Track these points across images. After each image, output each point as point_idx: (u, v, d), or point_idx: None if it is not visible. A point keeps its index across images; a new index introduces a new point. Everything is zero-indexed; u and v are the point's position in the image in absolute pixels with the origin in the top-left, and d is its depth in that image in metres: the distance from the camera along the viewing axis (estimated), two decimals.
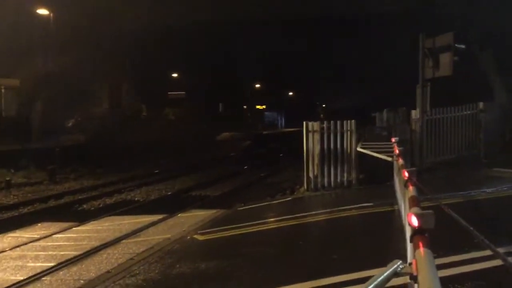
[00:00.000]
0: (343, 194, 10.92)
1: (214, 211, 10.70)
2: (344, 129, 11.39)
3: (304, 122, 11.58)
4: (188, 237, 7.59)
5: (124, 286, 5.31)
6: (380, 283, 1.83)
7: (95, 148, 23.63)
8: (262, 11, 25.95)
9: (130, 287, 5.27)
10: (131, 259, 6.55)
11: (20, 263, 6.92)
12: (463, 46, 11.07)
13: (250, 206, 10.74)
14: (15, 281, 5.97)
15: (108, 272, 6.02)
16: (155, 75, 36.04)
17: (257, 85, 59.85)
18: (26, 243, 8.26)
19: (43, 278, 6.09)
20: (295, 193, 11.96)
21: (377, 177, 10.91)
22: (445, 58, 10.95)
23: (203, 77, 40.37)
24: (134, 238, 8.33)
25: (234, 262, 6.06)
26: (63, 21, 24.88)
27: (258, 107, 65.08)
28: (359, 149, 10.89)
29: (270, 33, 31.76)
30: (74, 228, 9.76)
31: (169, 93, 42.42)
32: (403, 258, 2.76)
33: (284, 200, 11.24)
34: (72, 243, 8.24)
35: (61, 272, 6.32)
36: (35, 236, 8.97)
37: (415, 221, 2.21)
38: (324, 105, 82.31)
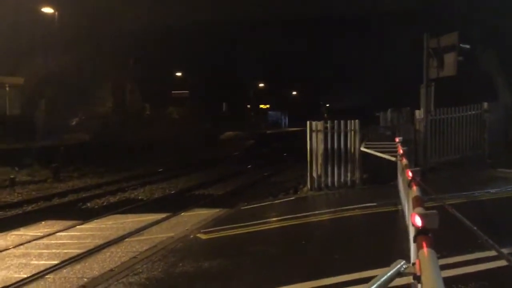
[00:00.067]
0: (346, 194, 10.90)
1: (217, 210, 10.70)
2: (348, 128, 11.37)
3: (308, 122, 11.57)
4: (191, 236, 7.60)
5: (127, 285, 5.32)
6: (383, 283, 1.82)
7: (98, 147, 23.67)
8: (265, 11, 25.96)
9: (133, 285, 5.28)
10: (134, 257, 6.56)
11: (24, 261, 6.94)
12: (467, 46, 11.03)
13: (253, 205, 10.73)
14: (18, 279, 5.98)
15: (111, 270, 6.03)
16: (159, 74, 36.07)
17: (261, 85, 59.85)
18: (29, 241, 8.28)
19: (46, 276, 6.10)
20: (299, 193, 11.95)
21: (380, 177, 10.90)
22: (450, 58, 10.91)
23: (206, 76, 40.39)
24: (137, 236, 8.34)
25: (237, 261, 6.07)
26: (67, 20, 24.93)
27: (261, 106, 65.10)
28: (363, 148, 10.87)
29: (274, 33, 31.72)
30: (77, 226, 9.77)
31: (172, 92, 42.46)
32: (407, 258, 2.75)
33: (288, 199, 11.23)
34: (76, 241, 8.25)
35: (64, 270, 6.33)
36: (39, 234, 8.99)
37: (418, 221, 2.20)
38: (327, 105, 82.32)
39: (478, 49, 18.23)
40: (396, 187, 8.58)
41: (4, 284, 5.80)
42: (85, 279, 5.85)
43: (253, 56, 40.27)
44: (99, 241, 7.90)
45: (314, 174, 11.44)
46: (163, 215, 10.29)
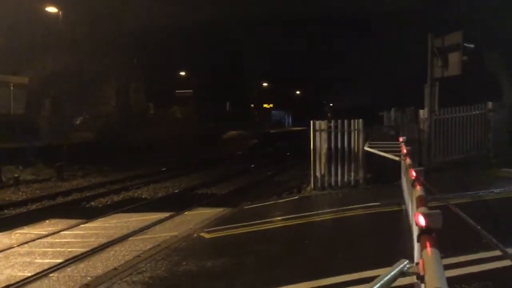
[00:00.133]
0: (350, 193, 10.89)
1: (220, 209, 10.71)
2: (352, 128, 11.35)
3: (312, 121, 11.56)
4: (195, 235, 7.61)
5: (131, 283, 5.33)
6: (387, 282, 1.82)
7: (102, 146, 23.74)
8: (269, 11, 25.94)
9: (137, 284, 5.29)
10: (138, 256, 6.57)
11: (28, 260, 6.96)
12: (472, 46, 10.99)
13: (257, 205, 10.73)
14: (23, 277, 6.00)
15: (115, 269, 6.04)
16: (163, 74, 36.11)
17: (264, 84, 59.81)
18: (34, 240, 8.31)
19: (50, 275, 6.12)
20: (302, 192, 11.95)
21: (384, 176, 10.88)
22: (454, 58, 10.88)
23: (210, 75, 40.40)
24: (141, 235, 8.36)
25: (240, 260, 6.07)
26: (71, 20, 24.99)
27: (265, 106, 65.02)
28: (366, 148, 10.86)
29: (277, 32, 31.69)
30: (81, 225, 9.80)
31: (176, 91, 42.49)
32: (410, 258, 2.75)
33: (291, 199, 11.22)
34: (80, 240, 8.27)
35: (68, 269, 6.35)
36: (43, 232, 9.02)
37: (422, 221, 2.20)
38: (331, 104, 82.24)
39: (483, 48, 18.17)
40: (399, 186, 8.56)
41: (9, 283, 5.83)
42: (89, 278, 5.87)
43: (256, 56, 40.25)
44: (103, 240, 7.92)
45: (318, 174, 11.43)
46: (166, 214, 10.31)
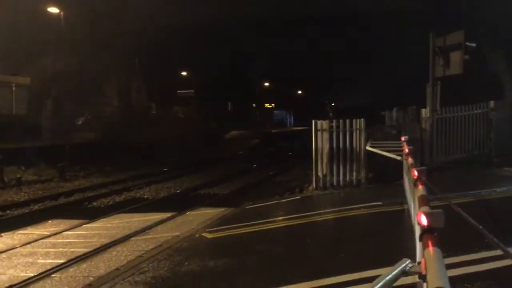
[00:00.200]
0: (352, 193, 10.89)
1: (222, 209, 10.72)
2: (353, 127, 11.35)
3: (313, 121, 11.56)
4: (197, 235, 7.61)
5: (133, 283, 5.34)
6: (389, 282, 1.82)
7: (104, 146, 23.76)
8: (269, 11, 25.95)
9: (139, 284, 5.30)
10: (140, 256, 6.58)
11: (31, 260, 6.97)
12: (474, 45, 10.99)
13: (259, 205, 10.74)
14: (25, 278, 6.02)
15: (117, 269, 6.05)
16: (164, 74, 36.14)
17: (266, 84, 59.82)
18: (36, 240, 8.32)
19: (53, 275, 6.13)
20: (304, 192, 11.95)
21: (386, 176, 10.87)
22: (456, 57, 10.89)
23: (211, 75, 40.42)
24: (143, 235, 8.37)
25: (242, 260, 6.07)
26: (73, 20, 25.02)
27: (267, 105, 65.04)
28: (368, 148, 10.85)
29: (279, 32, 31.71)
30: (84, 225, 9.82)
31: (178, 91, 42.52)
32: (412, 257, 2.75)
33: (293, 198, 11.22)
34: (82, 240, 8.29)
35: (71, 269, 6.37)
36: (46, 233, 9.04)
37: (424, 220, 2.20)
38: (333, 104, 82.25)
39: (485, 48, 18.15)
40: (401, 186, 8.55)
41: (11, 283, 5.84)
42: (91, 278, 5.87)
43: (257, 56, 40.27)
44: (105, 240, 7.93)
45: (320, 173, 11.43)
46: (168, 214, 10.33)
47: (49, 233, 9.00)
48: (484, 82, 18.55)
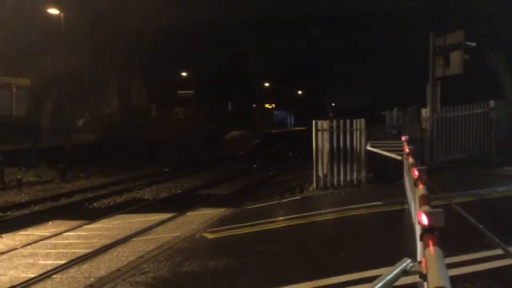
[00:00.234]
0: (352, 193, 10.89)
1: (223, 209, 10.72)
2: (354, 127, 11.35)
3: (314, 121, 11.56)
4: (198, 235, 7.62)
5: (134, 284, 5.34)
6: (389, 281, 1.82)
7: (105, 147, 23.78)
8: (271, 10, 25.94)
9: (140, 285, 5.30)
10: (141, 257, 6.58)
11: (31, 261, 6.98)
12: (473, 44, 11.00)
13: (259, 205, 10.74)
14: (26, 279, 6.02)
15: (118, 270, 6.05)
16: (164, 74, 36.14)
17: (266, 84, 59.80)
18: (37, 241, 8.33)
19: (53, 276, 6.13)
20: (304, 192, 11.95)
21: (386, 176, 10.87)
22: (456, 56, 10.89)
23: (211, 76, 40.42)
24: (144, 236, 8.37)
25: (243, 260, 6.08)
26: (73, 21, 25.02)
27: (267, 106, 65.01)
28: (368, 147, 10.86)
29: (279, 32, 31.69)
30: (84, 226, 9.82)
31: (178, 92, 42.52)
32: (413, 257, 2.75)
33: (293, 198, 11.23)
34: (83, 241, 8.29)
35: (71, 270, 6.37)
36: (46, 234, 9.04)
37: (425, 220, 2.20)
38: (333, 104, 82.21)
39: (485, 48, 18.16)
40: (402, 186, 8.55)
41: (12, 284, 5.84)
42: (92, 279, 5.88)
43: (257, 56, 40.22)
44: (106, 241, 7.94)
45: (320, 173, 11.44)
46: (169, 215, 10.33)
47: (49, 234, 9.01)
48: (484, 82, 18.56)
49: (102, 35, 26.12)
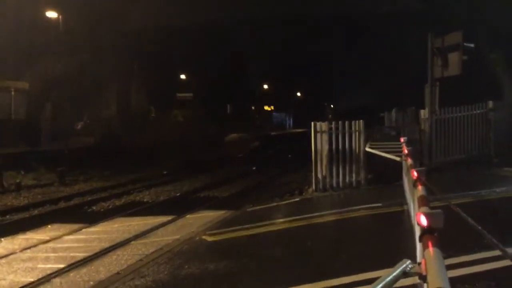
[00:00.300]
0: (351, 195, 10.88)
1: (222, 212, 10.71)
2: (353, 129, 11.36)
3: (312, 123, 11.56)
4: (197, 238, 7.60)
5: (133, 287, 5.33)
6: (389, 283, 1.82)
7: (104, 150, 23.76)
8: (271, 10, 25.98)
9: None
10: (141, 260, 6.58)
11: (31, 265, 6.96)
12: (472, 45, 11.02)
13: (259, 207, 10.73)
14: (25, 283, 6.01)
15: (117, 273, 6.04)
16: (164, 77, 36.15)
17: (265, 86, 59.84)
18: (36, 245, 8.31)
19: (53, 280, 6.12)
20: (304, 194, 11.93)
21: (385, 177, 10.86)
22: (454, 57, 10.90)
23: (210, 78, 40.44)
24: (143, 239, 8.37)
25: (243, 262, 6.07)
26: (71, 24, 25.05)
27: (266, 108, 65.03)
28: (367, 149, 10.85)
29: (278, 34, 31.77)
30: (84, 230, 9.81)
31: (177, 94, 42.52)
32: (412, 258, 2.74)
33: (293, 200, 11.21)
34: (82, 244, 8.28)
35: (71, 274, 6.36)
36: (45, 237, 9.03)
37: (424, 221, 2.20)
38: (332, 106, 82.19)
39: (484, 48, 18.18)
40: (401, 187, 8.54)
41: None
42: (92, 283, 5.87)
43: (257, 57, 40.28)
44: (105, 244, 7.93)
45: (319, 175, 11.43)
46: (168, 218, 10.32)
47: (49, 237, 9.00)
48: (483, 83, 18.58)
49: (101, 37, 26.14)
